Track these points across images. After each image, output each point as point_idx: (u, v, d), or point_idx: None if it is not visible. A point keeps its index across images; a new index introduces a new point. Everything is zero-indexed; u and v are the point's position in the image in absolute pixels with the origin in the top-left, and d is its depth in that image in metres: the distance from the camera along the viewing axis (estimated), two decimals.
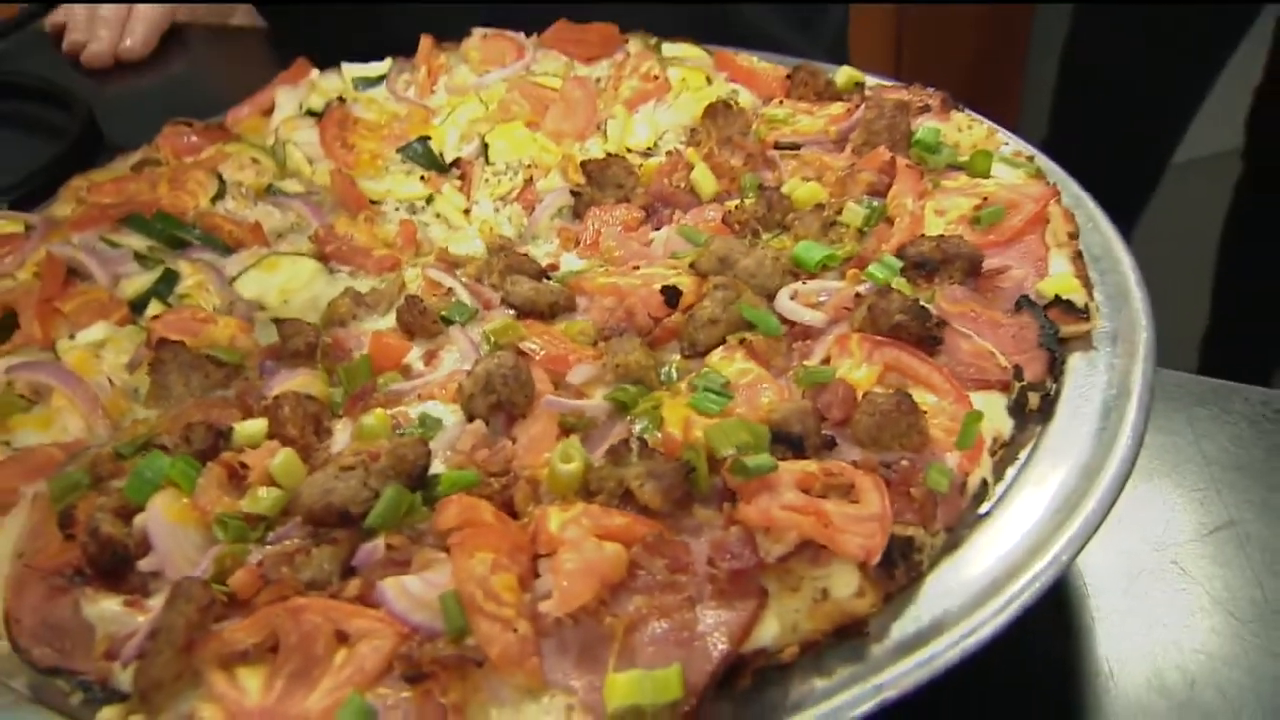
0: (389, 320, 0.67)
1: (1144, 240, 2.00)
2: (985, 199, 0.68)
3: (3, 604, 0.54)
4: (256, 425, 0.58)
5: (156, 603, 0.50)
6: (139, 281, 0.73)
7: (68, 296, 0.71)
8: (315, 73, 0.97)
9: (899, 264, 0.63)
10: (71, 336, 0.68)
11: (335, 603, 0.48)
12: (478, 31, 0.97)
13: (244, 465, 0.56)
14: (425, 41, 0.97)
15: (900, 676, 0.46)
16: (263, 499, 0.54)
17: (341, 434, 0.59)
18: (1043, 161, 0.76)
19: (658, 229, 0.73)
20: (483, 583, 0.47)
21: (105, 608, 0.51)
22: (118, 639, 0.50)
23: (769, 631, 0.47)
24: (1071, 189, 0.73)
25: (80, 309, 0.70)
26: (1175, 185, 2.00)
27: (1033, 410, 0.58)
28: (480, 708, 0.45)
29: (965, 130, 0.77)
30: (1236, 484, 0.70)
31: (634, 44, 0.95)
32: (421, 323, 0.65)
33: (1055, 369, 0.59)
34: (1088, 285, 0.64)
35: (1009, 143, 0.77)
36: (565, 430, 0.56)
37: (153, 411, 0.63)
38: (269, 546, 0.52)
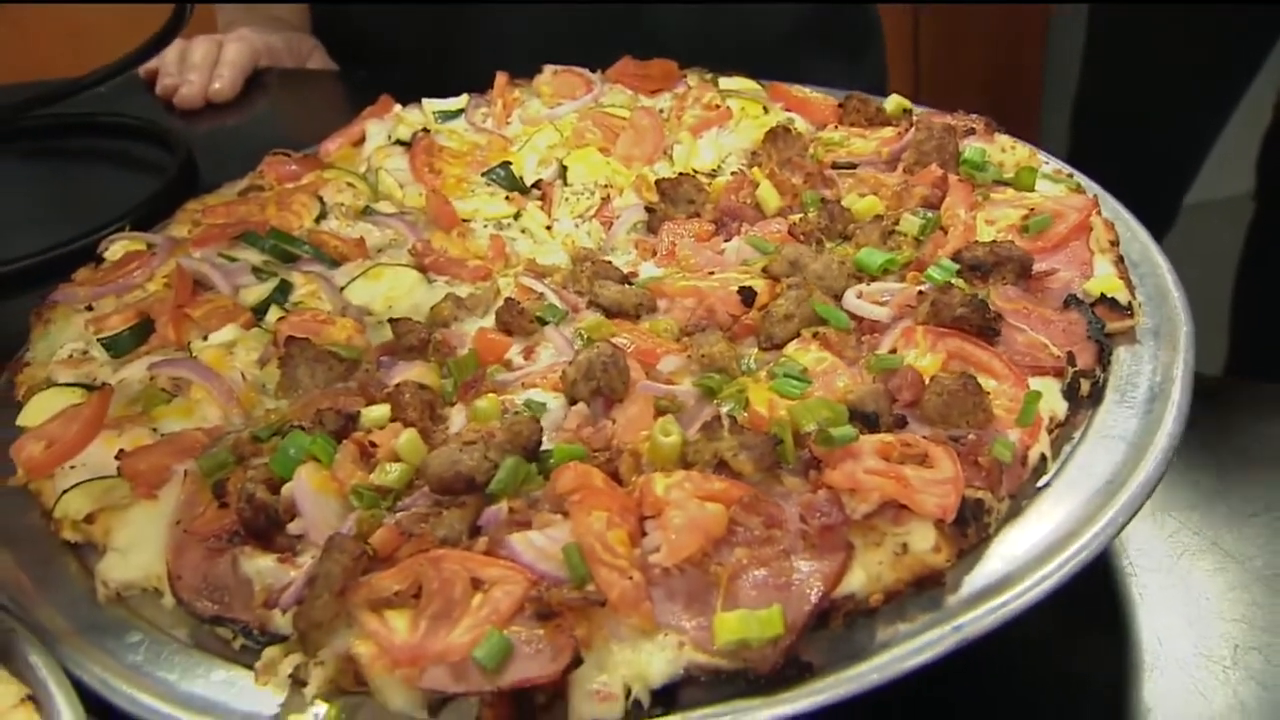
0: (488, 321, 0.74)
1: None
2: (1032, 209, 0.74)
3: (165, 564, 0.60)
4: (381, 410, 0.65)
5: (305, 560, 0.57)
6: (257, 291, 0.80)
7: (195, 304, 0.79)
8: (398, 107, 1.05)
9: (955, 266, 0.70)
10: (204, 338, 0.75)
11: (470, 554, 0.54)
12: (549, 68, 1.06)
13: (373, 444, 0.63)
14: (501, 78, 1.05)
15: (974, 620, 0.52)
16: (390, 472, 0.60)
17: (456, 418, 0.65)
18: (1081, 179, 0.82)
19: (728, 240, 0.79)
20: (600, 536, 0.54)
21: (261, 564, 0.58)
22: (274, 590, 0.56)
23: (856, 580, 0.53)
24: (1109, 203, 0.80)
25: (208, 315, 0.77)
26: (1188, 227, 2.04)
27: (1084, 396, 0.64)
28: (604, 642, 0.51)
29: (1008, 150, 0.84)
30: (1270, 475, 0.75)
31: (692, 78, 1.03)
32: (519, 322, 0.72)
33: (1104, 359, 0.65)
34: (1130, 286, 0.70)
35: (1049, 162, 0.83)
36: (659, 412, 0.63)
37: (282, 402, 0.70)
38: (399, 513, 0.59)
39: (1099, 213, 0.76)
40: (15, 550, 0.66)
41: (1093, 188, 0.81)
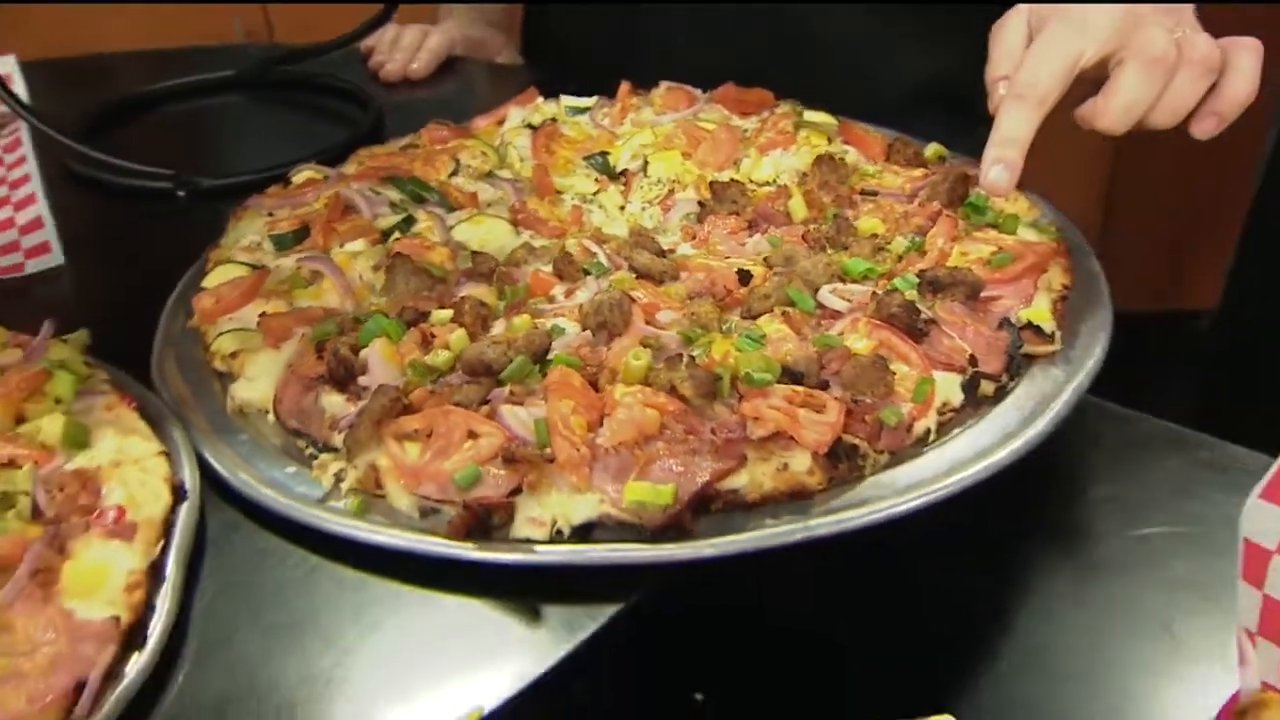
0: (548, 267, 0.95)
1: None
2: (1001, 248, 0.88)
3: (274, 392, 0.84)
4: (445, 313, 0.87)
5: (364, 403, 0.79)
6: (389, 219, 1.04)
7: (342, 222, 1.03)
8: (540, 99, 1.28)
9: (916, 281, 0.85)
10: (341, 246, 0.99)
11: (473, 414, 0.75)
12: (664, 84, 1.26)
13: (433, 334, 0.85)
14: (624, 86, 1.26)
15: (823, 524, 0.68)
16: (440, 355, 0.82)
17: (498, 327, 0.86)
18: (1073, 235, 0.95)
19: (754, 236, 0.97)
20: (563, 418, 0.73)
21: (334, 400, 0.80)
22: (339, 418, 0.78)
23: (741, 480, 0.70)
24: (1091, 266, 0.92)
25: (349, 231, 1.01)
26: None
27: (988, 395, 0.78)
28: (547, 488, 0.70)
29: (1011, 200, 0.97)
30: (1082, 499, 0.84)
31: (783, 106, 1.20)
32: (569, 270, 0.92)
33: (1011, 369, 0.79)
34: (1060, 322, 0.83)
35: (1046, 215, 0.96)
36: (646, 347, 0.81)
37: (383, 299, 0.93)
38: (438, 383, 0.80)
39: (1067, 264, 0.88)
40: (183, 370, 0.91)
41: (1081, 249, 0.93)
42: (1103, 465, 0.89)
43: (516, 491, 0.70)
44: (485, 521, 0.71)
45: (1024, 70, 0.87)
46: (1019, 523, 0.84)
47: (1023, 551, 0.81)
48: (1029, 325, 0.82)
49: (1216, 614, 0.72)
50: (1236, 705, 0.59)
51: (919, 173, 1.03)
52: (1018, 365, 0.80)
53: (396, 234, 1.01)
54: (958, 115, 1.33)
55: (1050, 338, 0.81)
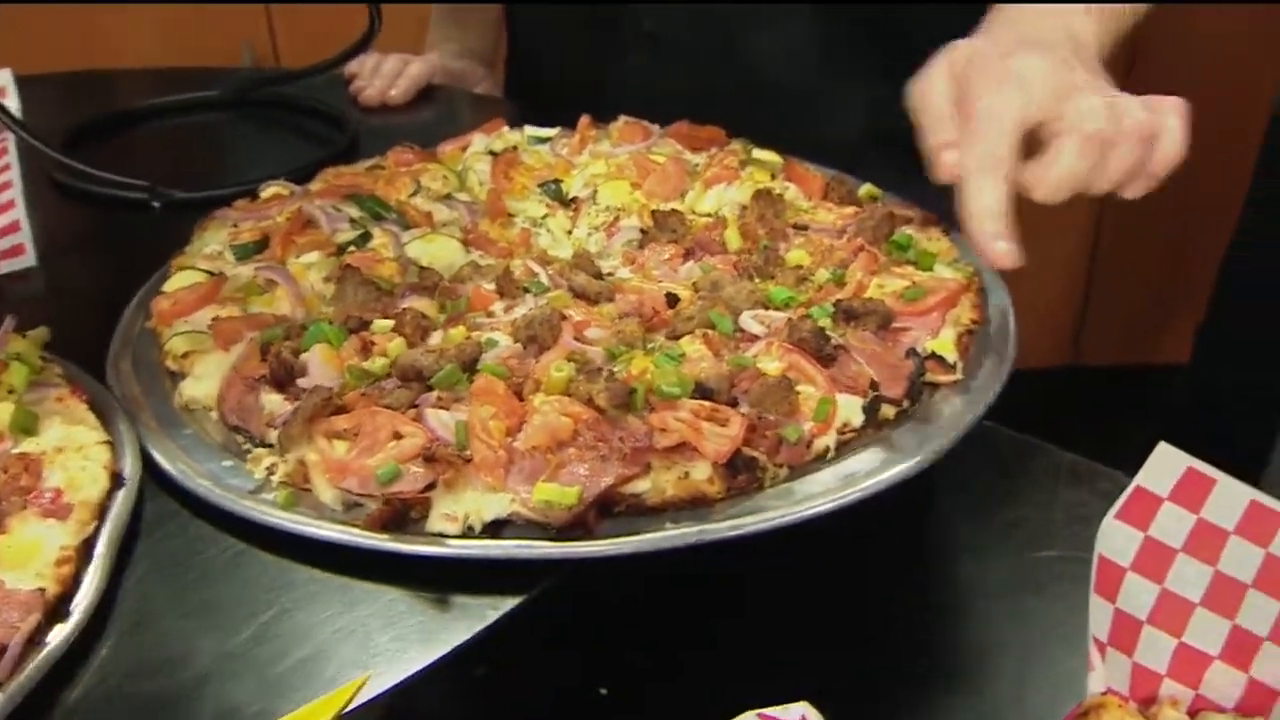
0: (491, 284, 1.00)
1: None
2: (915, 283, 0.94)
3: (219, 391, 0.89)
4: (386, 322, 0.91)
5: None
6: (347, 234, 1.09)
7: (301, 235, 1.08)
8: (506, 128, 1.34)
9: (831, 310, 0.90)
10: (297, 257, 1.04)
11: (400, 416, 0.79)
12: (623, 118, 1.32)
13: (373, 342, 0.89)
14: (584, 120, 1.32)
15: (719, 529, 0.72)
16: (377, 362, 0.86)
17: (435, 337, 0.91)
18: (989, 278, 1.00)
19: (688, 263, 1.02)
20: (483, 422, 0.77)
21: (273, 399, 0.84)
22: (276, 416, 0.83)
23: (643, 486, 0.74)
24: (1004, 306, 0.97)
25: (307, 244, 1.06)
26: None
27: (888, 419, 0.83)
28: (462, 487, 0.75)
29: (933, 240, 1.03)
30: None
31: (734, 144, 1.26)
32: (510, 288, 0.97)
33: (912, 395, 0.84)
34: (964, 354, 0.88)
35: (962, 259, 1.01)
36: (572, 360, 0.86)
37: (331, 308, 0.98)
38: (373, 387, 0.84)
39: (975, 302, 0.94)
40: (137, 369, 0.95)
41: (996, 288, 0.99)
42: (1008, 491, 0.94)
43: (428, 489, 0.74)
44: (403, 516, 0.75)
45: (980, 141, 0.85)
46: (921, 540, 0.89)
47: (921, 567, 0.86)
48: (933, 355, 0.87)
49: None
50: (1080, 708, 0.63)
51: (850, 210, 1.09)
52: (919, 392, 0.84)
53: (352, 248, 1.06)
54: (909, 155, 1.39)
55: (952, 368, 0.86)
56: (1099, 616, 0.64)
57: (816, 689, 0.75)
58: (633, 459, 0.75)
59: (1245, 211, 1.94)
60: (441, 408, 0.80)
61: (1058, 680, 0.74)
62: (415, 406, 0.81)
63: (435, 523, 0.74)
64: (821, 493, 0.75)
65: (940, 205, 1.15)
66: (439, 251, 1.07)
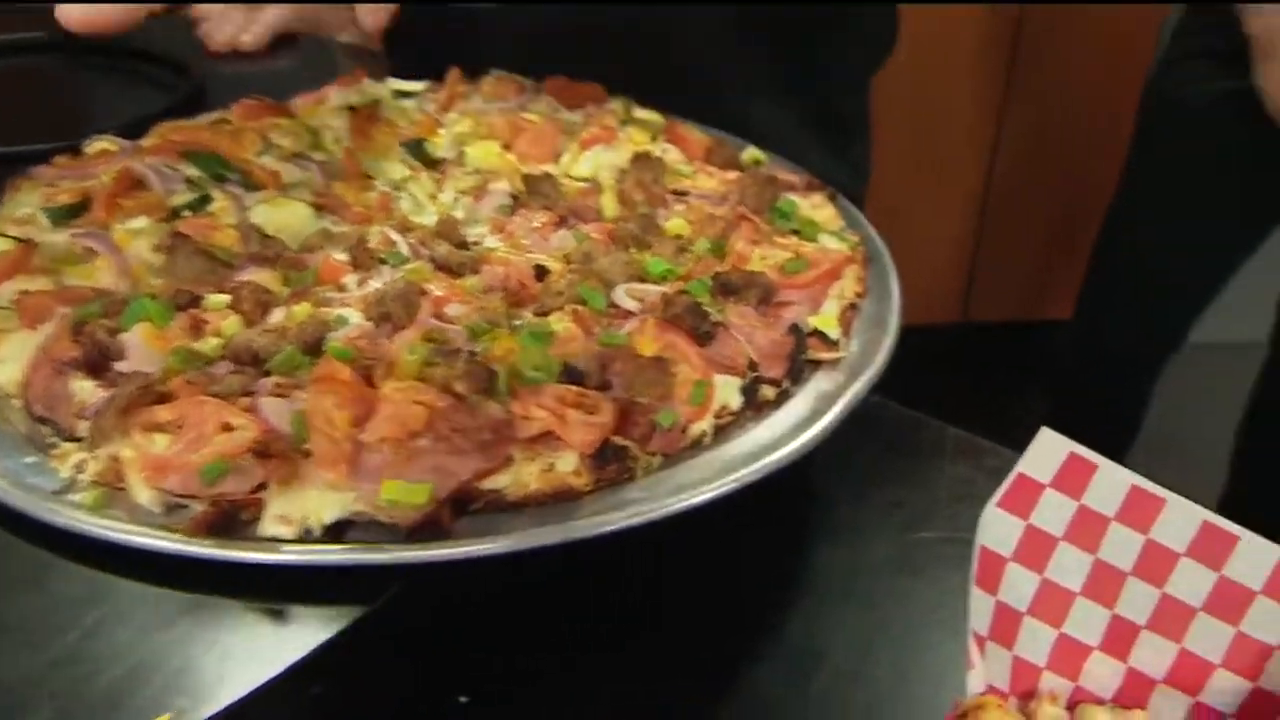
0: (344, 254, 0.91)
1: (1161, 414, 2.10)
2: (798, 254, 0.89)
3: (23, 376, 0.78)
4: (221, 298, 0.82)
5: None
6: (183, 197, 0.98)
7: (130, 198, 0.97)
8: (367, 80, 1.24)
9: (710, 283, 0.85)
10: (122, 223, 0.93)
11: (228, 405, 0.71)
12: (495, 72, 1.23)
13: (205, 320, 0.80)
14: (454, 73, 1.23)
15: (585, 525, 0.67)
16: (209, 343, 0.77)
17: (277, 315, 0.82)
18: (875, 245, 0.96)
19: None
20: (325, 412, 0.70)
21: (85, 386, 0.74)
22: (87, 406, 0.73)
23: (503, 480, 0.68)
24: (889, 279, 0.93)
25: (136, 207, 0.95)
26: (1199, 365, 2.09)
27: (768, 400, 0.79)
28: (300, 485, 0.67)
29: (817, 208, 0.98)
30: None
31: (614, 103, 1.19)
32: (364, 258, 0.89)
33: (793, 374, 0.79)
34: (846, 329, 0.84)
35: (848, 227, 0.97)
36: (429, 341, 0.78)
37: (161, 281, 0.88)
38: (202, 372, 0.75)
39: (860, 274, 0.90)
40: None
41: (881, 257, 0.95)
42: (891, 469, 0.91)
43: (259, 489, 0.66)
44: (231, 518, 0.67)
45: None
46: (803, 522, 0.85)
47: (800, 551, 0.82)
48: (816, 332, 0.82)
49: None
50: (959, 709, 0.60)
51: (733, 175, 1.03)
52: (800, 371, 0.80)
53: (186, 212, 0.95)
54: (835, 134, 1.35)
55: (835, 344, 0.82)
56: (979, 609, 0.62)
57: (692, 681, 0.72)
58: (492, 451, 0.69)
59: (1122, 175, 1.97)
60: (279, 395, 0.72)
61: (940, 668, 0.72)
62: (249, 394, 0.73)
63: (268, 526, 0.66)
64: (697, 482, 0.70)
65: (837, 173, 1.12)
66: (287, 217, 0.97)
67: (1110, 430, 2.05)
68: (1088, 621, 0.63)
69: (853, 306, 0.86)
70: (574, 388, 0.73)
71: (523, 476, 0.69)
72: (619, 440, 0.70)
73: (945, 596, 0.78)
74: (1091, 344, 2.08)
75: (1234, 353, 2.06)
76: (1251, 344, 1.95)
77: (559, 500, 0.69)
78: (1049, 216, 2.98)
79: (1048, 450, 0.62)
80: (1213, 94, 1.66)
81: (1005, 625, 0.63)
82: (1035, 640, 0.63)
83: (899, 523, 0.86)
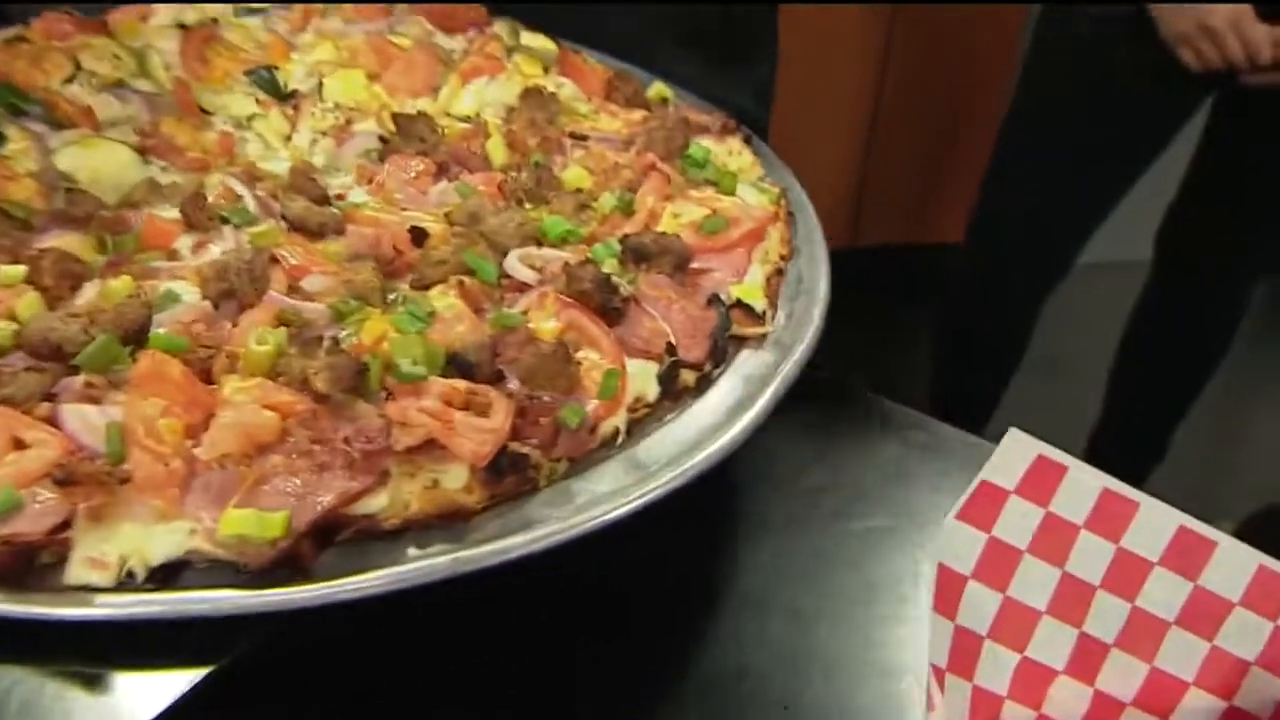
0: (175, 211, 0.75)
1: (1051, 335, 2.11)
2: (715, 211, 0.78)
3: None
4: (17, 270, 0.66)
5: None
6: None
7: None
8: None
9: (619, 248, 0.73)
10: None
11: (19, 414, 0.56)
12: None
13: None
14: None
15: (479, 555, 0.55)
16: (0, 330, 0.62)
17: (90, 292, 0.67)
18: (797, 195, 0.86)
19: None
20: (147, 421, 0.56)
21: None
22: None
23: (378, 503, 0.56)
24: (813, 233, 0.83)
25: None
26: (1086, 285, 2.10)
27: (688, 386, 0.68)
28: (116, 518, 0.54)
29: (735, 154, 0.87)
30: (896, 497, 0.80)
31: (498, 25, 1.04)
32: (199, 217, 0.74)
33: (716, 356, 0.69)
34: (773, 299, 0.74)
35: (766, 174, 0.87)
36: (283, 324, 0.65)
37: None
38: None
39: (785, 234, 0.80)
40: None
41: (804, 207, 0.85)
42: (815, 451, 0.83)
43: (60, 529, 0.52)
44: (27, 563, 0.53)
45: None
46: (723, 517, 0.77)
47: (722, 552, 0.74)
48: (739, 303, 0.72)
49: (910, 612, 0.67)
50: None
51: (638, 115, 0.91)
52: (723, 352, 0.70)
53: None
54: (712, 50, 1.22)
55: (761, 318, 0.72)
56: (938, 638, 0.55)
57: (602, 701, 0.63)
58: (364, 466, 0.56)
59: (1013, 100, 1.94)
60: (90, 400, 0.58)
61: (881, 674, 0.65)
62: (50, 399, 0.58)
63: (77, 571, 0.53)
64: (609, 493, 0.60)
65: (747, 109, 1.00)
66: (104, 163, 0.80)
67: (998, 351, 2.07)
68: (1053, 642, 0.57)
69: (779, 272, 0.76)
70: (462, 383, 0.61)
71: (401, 496, 0.57)
72: (518, 447, 0.59)
73: (882, 592, 0.71)
74: (982, 267, 2.07)
75: (1121, 272, 2.08)
76: (1138, 263, 1.98)
77: (446, 522, 0.57)
78: (935, 141, 2.96)
79: (1014, 452, 0.55)
80: (1104, 16, 1.64)
81: (964, 653, 0.56)
82: (996, 667, 0.57)
83: (830, 510, 0.78)
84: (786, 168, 0.91)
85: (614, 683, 0.64)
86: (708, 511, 0.75)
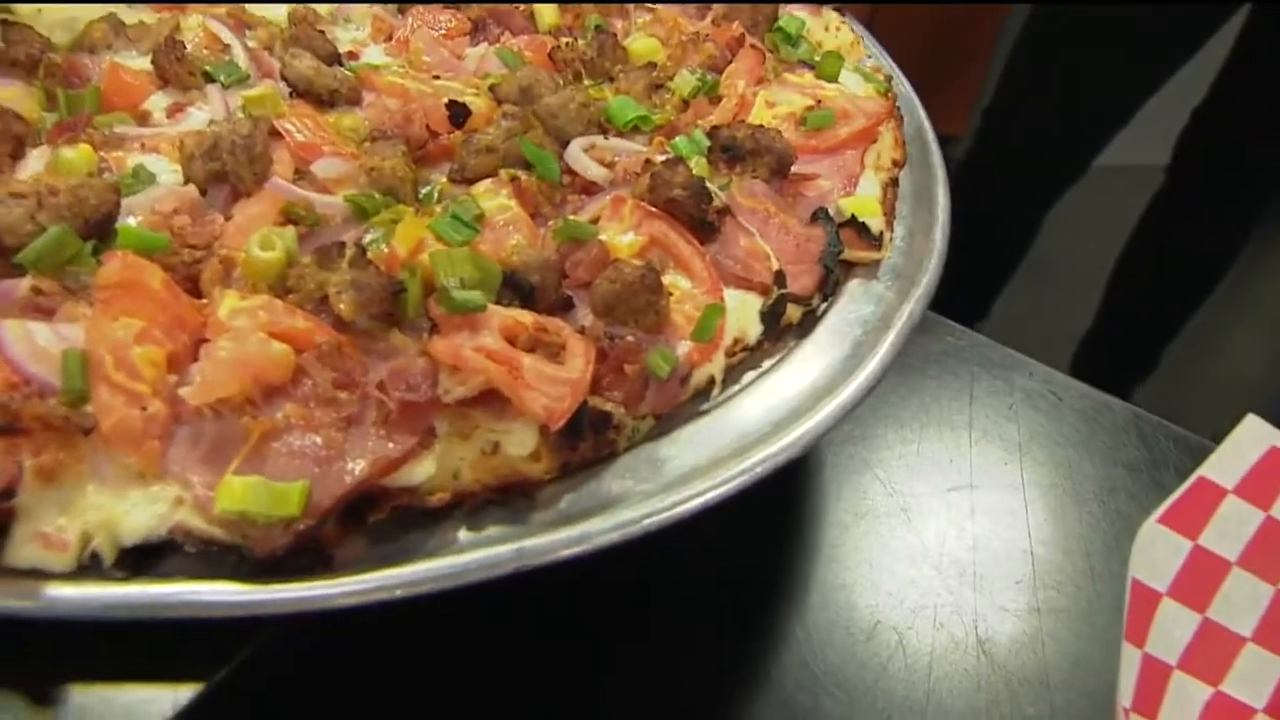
0: (145, 59, 0.59)
1: (1053, 234, 2.02)
2: (819, 102, 0.63)
3: None
4: None
5: None
6: None
7: None
8: None
9: (707, 143, 0.59)
10: None
11: None
12: None
13: None
14: None
15: (547, 547, 0.43)
16: None
17: (36, 162, 0.52)
18: (902, 88, 0.72)
19: (477, 45, 0.66)
20: (118, 349, 0.42)
21: None
22: None
23: (423, 472, 0.43)
24: (923, 132, 0.69)
25: None
26: (1096, 187, 2.00)
27: (792, 323, 0.55)
28: (77, 479, 0.41)
29: (832, 30, 0.72)
30: (988, 452, 0.70)
31: None
32: (177, 70, 0.58)
33: (827, 288, 0.56)
34: (890, 215, 0.61)
35: (872, 56, 0.72)
36: (289, 221, 0.51)
37: None
38: None
39: (898, 127, 0.65)
40: None
41: (910, 101, 0.71)
42: (907, 418, 0.72)
43: (16, 492, 0.39)
44: None
45: None
46: (801, 503, 0.65)
47: (797, 540, 0.63)
48: (852, 220, 0.58)
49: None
50: None
51: None
52: (835, 283, 0.57)
53: None
54: None
55: (878, 241, 0.59)
56: (1126, 671, 0.46)
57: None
58: (402, 424, 0.43)
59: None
60: (39, 314, 0.44)
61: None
62: None
63: (23, 551, 0.40)
64: (708, 465, 0.47)
65: None
66: None
67: (996, 251, 1.99)
68: (1257, 676, 0.47)
69: (893, 181, 0.63)
70: (528, 315, 0.47)
71: (450, 463, 0.44)
72: (599, 403, 0.46)
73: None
74: (992, 167, 1.96)
75: (1131, 175, 1.99)
76: (1151, 167, 1.88)
77: (506, 498, 0.45)
78: (935, 32, 2.81)
79: (1246, 442, 0.45)
80: None
81: (1150, 688, 0.46)
82: (1183, 702, 0.47)
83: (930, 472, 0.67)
84: (884, 52, 0.76)
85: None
86: (782, 496, 0.64)
